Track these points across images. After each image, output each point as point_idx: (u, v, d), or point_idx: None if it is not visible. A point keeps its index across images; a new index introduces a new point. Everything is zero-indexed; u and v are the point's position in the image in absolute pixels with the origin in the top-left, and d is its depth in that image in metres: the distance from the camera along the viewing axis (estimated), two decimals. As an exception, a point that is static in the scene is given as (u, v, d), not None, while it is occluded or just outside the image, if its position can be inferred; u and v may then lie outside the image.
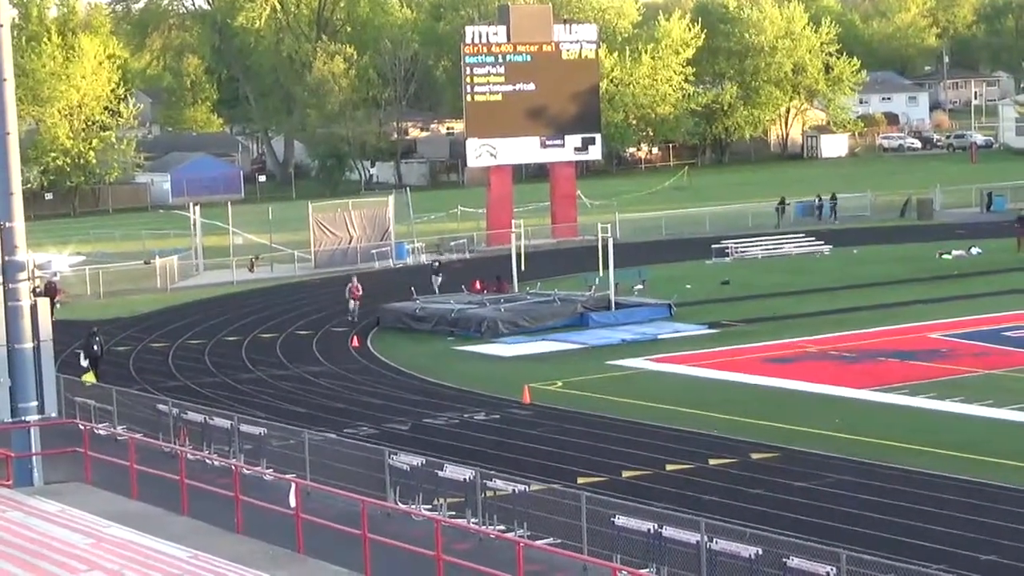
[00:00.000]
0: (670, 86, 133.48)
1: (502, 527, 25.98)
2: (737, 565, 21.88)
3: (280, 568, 21.85)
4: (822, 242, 74.46)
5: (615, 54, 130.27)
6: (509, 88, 79.88)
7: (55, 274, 65.75)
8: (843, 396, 39.84)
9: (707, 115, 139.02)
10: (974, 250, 68.98)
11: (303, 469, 29.99)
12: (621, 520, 23.82)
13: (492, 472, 27.91)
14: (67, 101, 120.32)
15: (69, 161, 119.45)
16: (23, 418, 27.92)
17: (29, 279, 28.08)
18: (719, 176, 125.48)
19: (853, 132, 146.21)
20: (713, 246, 72.42)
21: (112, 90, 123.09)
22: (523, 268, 63.70)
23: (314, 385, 44.59)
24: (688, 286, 61.51)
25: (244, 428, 32.57)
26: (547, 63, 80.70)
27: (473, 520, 26.70)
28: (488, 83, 79.68)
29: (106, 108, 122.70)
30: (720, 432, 35.80)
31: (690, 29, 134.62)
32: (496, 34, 79.87)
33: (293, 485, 25.50)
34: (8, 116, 27.65)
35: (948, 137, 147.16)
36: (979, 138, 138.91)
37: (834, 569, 20.32)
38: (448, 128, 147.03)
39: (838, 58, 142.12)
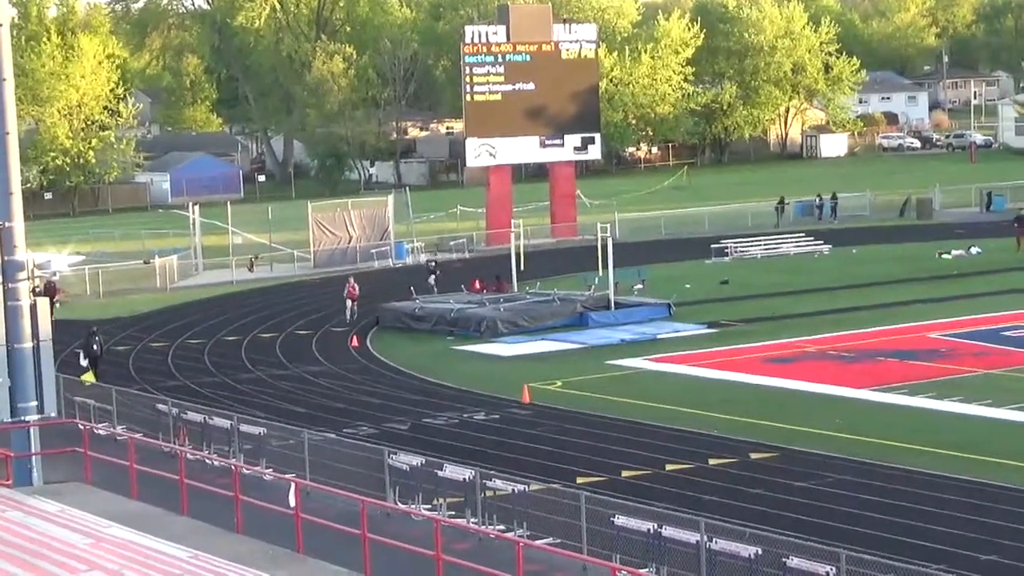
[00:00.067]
0: (669, 86, 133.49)
1: (502, 527, 25.98)
2: (737, 565, 21.88)
3: (280, 568, 21.85)
4: (821, 242, 74.49)
5: (615, 54, 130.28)
6: (508, 88, 79.88)
7: (55, 274, 65.85)
8: (842, 396, 39.85)
9: (706, 115, 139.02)
10: (973, 250, 68.99)
11: (303, 469, 29.99)
12: (621, 520, 23.82)
13: (492, 472, 27.91)
14: (66, 101, 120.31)
15: (68, 161, 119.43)
16: (23, 418, 27.91)
17: (28, 279, 28.07)
18: (718, 176, 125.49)
19: (852, 132, 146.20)
20: (712, 246, 72.43)
21: (111, 90, 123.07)
22: (523, 268, 63.72)
23: (314, 385, 44.59)
24: (687, 286, 61.51)
25: (244, 428, 32.57)
26: (546, 63, 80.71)
27: (473, 520, 26.71)
28: (487, 83, 79.68)
29: (105, 108, 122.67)
30: (720, 432, 35.80)
31: (689, 29, 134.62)
32: (496, 34, 79.87)
33: (293, 485, 25.50)
34: (7, 116, 27.64)
35: (947, 137, 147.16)
36: (978, 138, 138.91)
37: (834, 569, 20.32)
38: (447, 128, 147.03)
39: (837, 58, 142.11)
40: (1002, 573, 24.59)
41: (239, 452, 32.32)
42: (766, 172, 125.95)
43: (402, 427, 37.70)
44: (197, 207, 76.73)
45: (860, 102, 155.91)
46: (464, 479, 27.06)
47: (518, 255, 63.30)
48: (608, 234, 57.78)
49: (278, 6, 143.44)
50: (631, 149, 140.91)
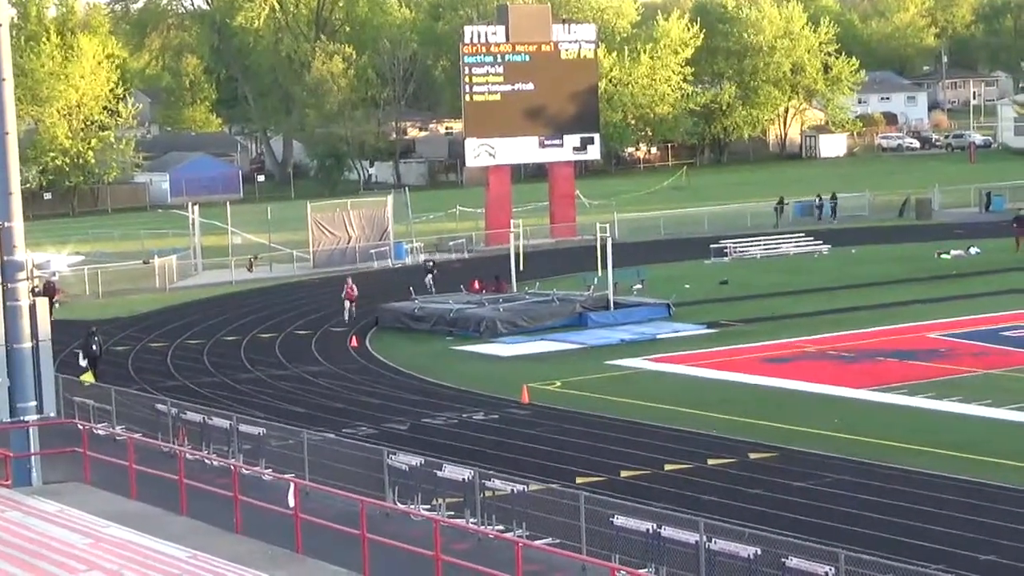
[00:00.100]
0: (669, 86, 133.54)
1: (501, 527, 25.98)
2: (736, 565, 21.89)
3: (279, 568, 21.85)
4: (821, 242, 74.50)
5: (614, 54, 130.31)
6: (508, 88, 79.88)
7: (54, 274, 65.82)
8: (842, 396, 39.85)
9: (706, 115, 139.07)
10: (973, 250, 69.00)
11: (302, 469, 29.99)
12: (620, 520, 23.83)
13: (491, 472, 27.91)
14: (66, 101, 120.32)
15: (68, 161, 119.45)
16: (22, 418, 27.91)
17: (28, 279, 28.06)
18: (718, 176, 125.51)
19: (852, 132, 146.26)
20: (712, 246, 72.43)
21: (111, 90, 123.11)
22: (522, 268, 63.73)
23: (313, 385, 44.59)
24: (687, 286, 61.51)
25: (243, 428, 32.57)
26: (546, 63, 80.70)
27: (472, 520, 26.71)
28: (487, 83, 79.67)
29: (105, 108, 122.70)
30: (719, 432, 35.81)
31: (689, 29, 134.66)
32: (495, 34, 79.87)
33: (292, 485, 25.50)
34: (7, 116, 27.64)
35: (947, 137, 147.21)
36: (978, 138, 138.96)
37: (833, 569, 20.33)
38: (447, 128, 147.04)
39: (837, 58, 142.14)
40: (1001, 573, 24.59)
41: (238, 452, 32.32)
42: (765, 172, 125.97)
43: (401, 427, 37.70)
44: (196, 207, 76.72)
45: (859, 102, 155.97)
46: (463, 479, 27.06)
47: (517, 255, 63.30)
48: (607, 234, 57.77)
49: (277, 6, 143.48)
50: (630, 149, 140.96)
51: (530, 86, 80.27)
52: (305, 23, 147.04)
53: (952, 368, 42.67)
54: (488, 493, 26.79)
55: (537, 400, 40.51)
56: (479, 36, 79.77)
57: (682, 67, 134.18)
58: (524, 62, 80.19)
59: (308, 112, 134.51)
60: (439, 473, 27.62)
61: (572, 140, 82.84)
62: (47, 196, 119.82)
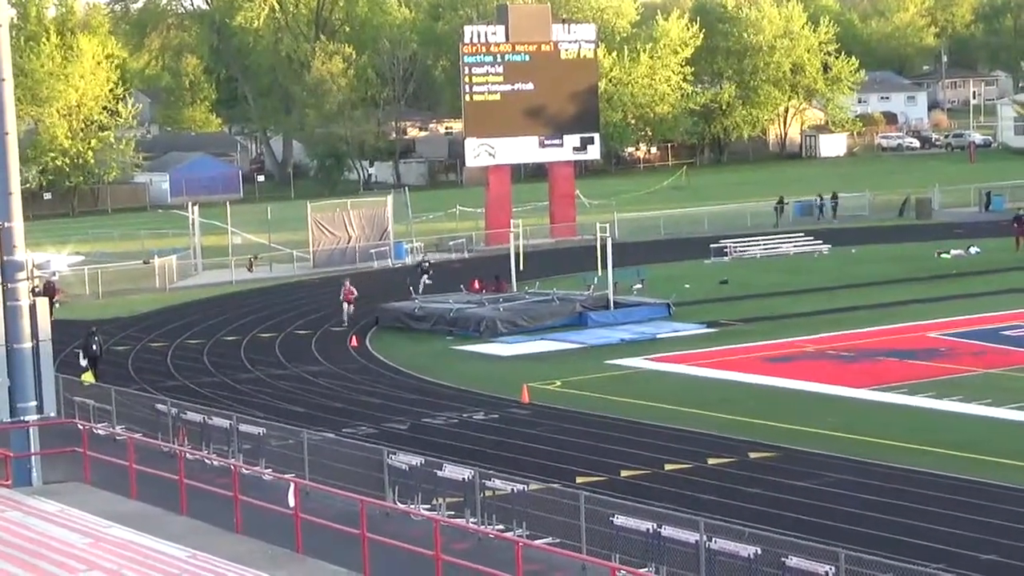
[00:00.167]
0: (668, 86, 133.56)
1: (501, 527, 25.98)
2: (736, 564, 21.89)
3: (279, 568, 21.85)
4: (820, 241, 74.49)
5: (613, 54, 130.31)
6: (508, 88, 79.88)
7: (54, 274, 65.84)
8: (842, 395, 39.86)
9: (705, 115, 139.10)
10: (972, 249, 69.01)
11: (302, 469, 29.99)
12: (620, 520, 23.83)
13: (491, 472, 27.92)
14: (66, 101, 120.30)
15: (68, 161, 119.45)
16: (22, 418, 27.91)
17: (28, 279, 28.06)
18: (717, 176, 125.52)
19: (851, 132, 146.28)
20: (712, 245, 72.43)
21: (111, 90, 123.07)
22: (522, 268, 63.73)
23: (313, 385, 44.58)
24: (687, 285, 61.51)
25: (243, 428, 32.57)
26: (546, 63, 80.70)
27: (472, 520, 26.71)
28: (487, 83, 79.66)
29: (105, 108, 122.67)
30: (719, 431, 35.80)
31: (688, 28, 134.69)
32: (495, 34, 79.86)
33: (292, 485, 25.50)
34: (7, 116, 27.64)
35: (946, 136, 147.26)
36: (977, 137, 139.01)
37: (833, 568, 20.33)
38: (447, 128, 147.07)
39: (836, 57, 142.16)
40: (1002, 572, 24.59)
41: (238, 452, 32.32)
42: (765, 172, 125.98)
43: (401, 427, 37.70)
44: (196, 207, 76.71)
45: (859, 102, 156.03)
46: (463, 479, 27.06)
47: (517, 255, 63.29)
48: (607, 234, 57.77)
49: (277, 6, 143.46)
50: (630, 149, 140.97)
51: (530, 86, 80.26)
52: (305, 23, 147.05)
53: (952, 367, 42.68)
54: (488, 493, 26.79)
55: (537, 400, 40.51)
56: (479, 36, 79.77)
57: (682, 67, 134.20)
58: (524, 62, 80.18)
59: (308, 112, 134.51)
60: (439, 473, 27.62)
61: (572, 140, 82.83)
62: (47, 196, 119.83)
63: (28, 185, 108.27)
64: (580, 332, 51.87)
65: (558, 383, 43.01)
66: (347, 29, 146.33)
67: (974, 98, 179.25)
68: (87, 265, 71.57)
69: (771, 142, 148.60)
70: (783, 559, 21.10)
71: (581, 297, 55.58)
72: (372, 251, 74.45)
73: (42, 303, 28.36)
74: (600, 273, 58.42)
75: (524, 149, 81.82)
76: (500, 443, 35.28)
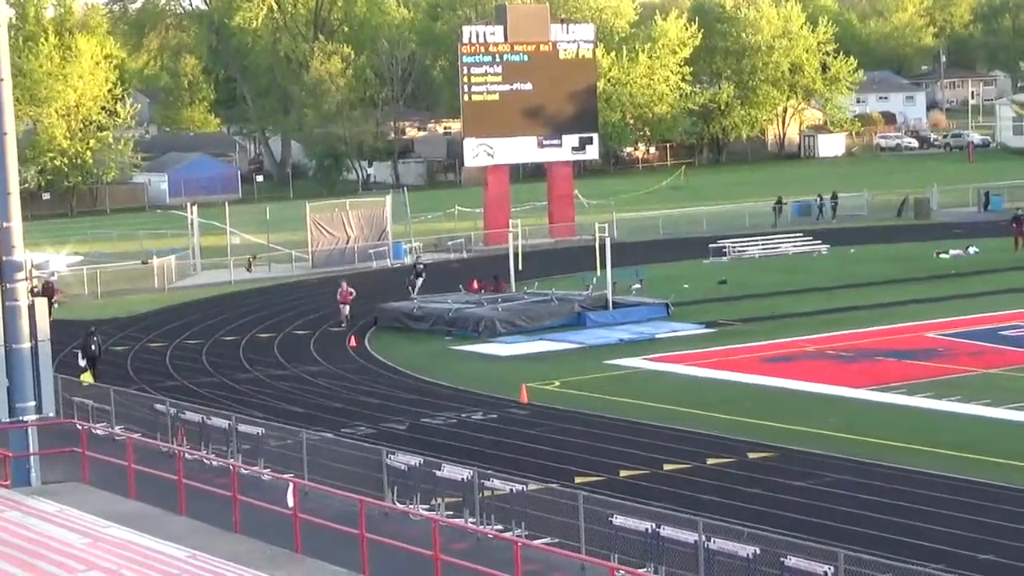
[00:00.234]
0: (667, 85, 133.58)
1: (500, 527, 25.97)
2: (735, 564, 21.89)
3: (278, 568, 21.85)
4: (819, 241, 74.48)
5: (612, 54, 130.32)
6: (506, 88, 79.86)
7: (53, 274, 65.71)
8: (840, 395, 39.86)
9: (704, 115, 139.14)
10: (971, 249, 69.02)
11: (301, 469, 29.99)
12: (619, 520, 23.82)
13: (490, 472, 27.91)
14: (64, 101, 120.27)
15: (66, 161, 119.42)
16: (21, 418, 27.92)
17: (27, 279, 28.07)
18: (716, 176, 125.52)
19: (850, 132, 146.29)
20: (710, 245, 72.42)
21: (109, 90, 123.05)
22: (520, 268, 63.70)
23: (312, 385, 44.58)
24: (685, 285, 61.51)
25: (242, 428, 32.56)
26: (544, 63, 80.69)
27: (471, 520, 26.71)
28: (485, 83, 79.65)
29: (103, 108, 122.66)
30: (718, 431, 35.81)
31: (687, 28, 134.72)
32: (493, 34, 79.85)
33: (291, 485, 25.52)
34: (5, 116, 27.66)
35: (945, 136, 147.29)
36: (976, 137, 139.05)
37: (832, 568, 20.32)
38: (445, 128, 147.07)
39: (835, 57, 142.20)
40: (1000, 573, 24.59)
41: (237, 452, 32.31)
42: (764, 172, 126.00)
43: (400, 427, 37.70)
44: (195, 207, 76.71)
45: (858, 102, 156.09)
46: (462, 479, 27.06)
47: (516, 255, 63.27)
48: (606, 234, 57.78)
49: (275, 6, 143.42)
50: (629, 149, 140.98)
51: (528, 86, 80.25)
52: (303, 23, 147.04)
53: (951, 367, 42.68)
54: (487, 493, 26.79)
55: (536, 400, 40.51)
56: (478, 36, 79.75)
57: (680, 67, 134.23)
58: (522, 62, 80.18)
59: (306, 112, 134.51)
60: (438, 473, 27.61)
61: (571, 140, 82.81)
62: (46, 196, 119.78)
63: (27, 185, 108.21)
64: (579, 332, 51.86)
65: (557, 383, 43.01)
66: (346, 29, 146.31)
67: (972, 98, 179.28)
68: (86, 265, 71.54)
69: (770, 142, 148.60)
70: (782, 559, 21.10)
71: (580, 297, 55.57)
72: (371, 251, 74.43)
73: (41, 303, 28.37)
74: (599, 273, 58.41)
75: (523, 149, 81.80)
76: (499, 443, 35.29)
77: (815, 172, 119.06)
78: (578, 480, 30.54)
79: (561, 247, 78.64)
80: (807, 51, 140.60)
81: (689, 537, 22.72)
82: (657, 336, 50.55)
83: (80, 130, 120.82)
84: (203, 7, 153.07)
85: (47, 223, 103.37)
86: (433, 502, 27.76)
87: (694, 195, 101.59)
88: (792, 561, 20.92)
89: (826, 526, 26.75)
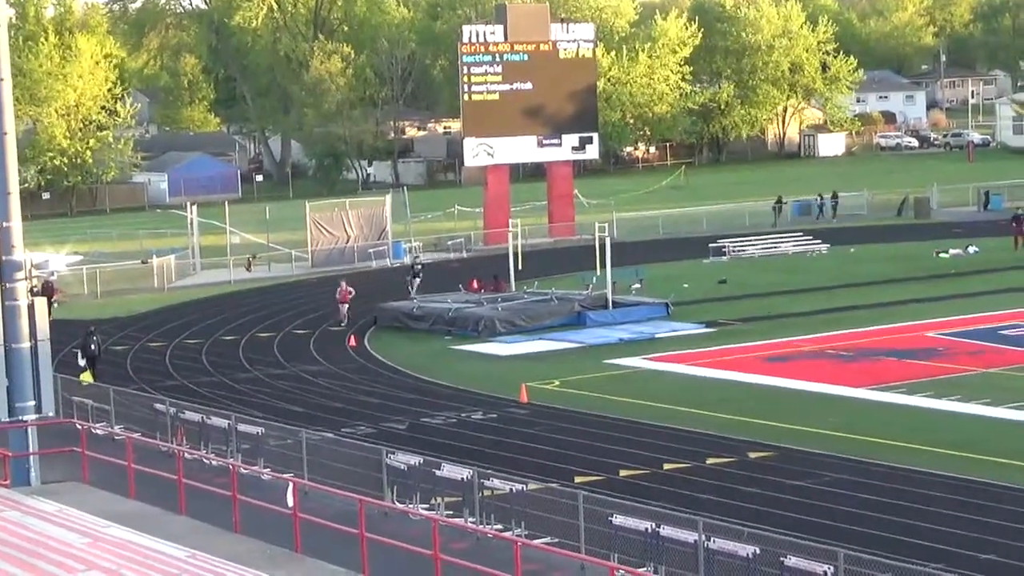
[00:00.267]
0: (667, 85, 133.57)
1: (500, 526, 25.97)
2: (735, 564, 21.88)
3: (278, 567, 21.85)
4: (819, 241, 74.46)
5: (612, 53, 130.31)
6: (506, 87, 79.85)
7: (52, 273, 65.79)
8: (840, 395, 39.85)
9: (704, 114, 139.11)
10: (971, 249, 69.01)
11: (301, 468, 29.98)
12: (619, 519, 23.82)
13: (490, 471, 27.91)
14: (64, 101, 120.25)
15: (66, 161, 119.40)
16: (20, 417, 27.91)
17: (26, 279, 28.06)
18: (716, 175, 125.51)
19: (850, 131, 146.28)
20: (710, 245, 72.40)
21: (109, 90, 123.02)
22: (520, 267, 63.68)
23: (311, 384, 44.57)
24: (685, 285, 61.50)
25: (242, 427, 32.56)
26: (544, 62, 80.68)
27: (471, 519, 26.71)
28: (485, 82, 79.64)
29: (103, 108, 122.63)
30: (717, 431, 35.80)
31: (687, 28, 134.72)
32: (493, 33, 79.83)
33: (291, 484, 25.51)
34: (5, 116, 27.65)
35: (945, 136, 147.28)
36: (976, 137, 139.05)
37: (832, 568, 20.32)
38: (445, 127, 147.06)
39: (835, 57, 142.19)
40: (1001, 572, 24.58)
41: (237, 452, 32.30)
42: (764, 171, 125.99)
43: (400, 427, 37.69)
44: (195, 207, 76.71)
45: (858, 101, 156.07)
46: (462, 479, 27.05)
47: (516, 255, 63.26)
48: (606, 233, 57.77)
49: (275, 6, 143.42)
50: (629, 149, 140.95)
51: (528, 85, 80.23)
52: (303, 22, 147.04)
53: (950, 367, 42.68)
54: (487, 492, 26.78)
55: (536, 399, 40.50)
56: (477, 35, 79.74)
57: (680, 66, 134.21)
58: (522, 61, 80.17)
59: (306, 112, 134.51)
60: (438, 472, 27.61)
61: (571, 139, 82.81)
62: (45, 196, 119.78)
63: (26, 185, 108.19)
64: (579, 332, 51.85)
65: (557, 383, 43.01)
66: (345, 28, 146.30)
67: (972, 97, 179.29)
68: (85, 265, 71.54)
69: (769, 141, 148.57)
70: (782, 559, 21.09)
71: (580, 297, 55.57)
72: (371, 251, 74.43)
73: (40, 303, 28.36)
74: (599, 273, 58.40)
75: (523, 149, 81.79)
76: (499, 443, 35.28)
77: (815, 172, 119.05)
78: (578, 480, 30.53)
79: (561, 247, 78.63)
80: (807, 50, 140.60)
81: (689, 537, 22.71)
82: (657, 336, 50.55)
83: (80, 130, 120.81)
84: (203, 6, 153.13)
85: (47, 223, 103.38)
86: (433, 502, 27.75)
87: (694, 195, 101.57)
88: (792, 561, 20.92)
89: (826, 525, 26.75)
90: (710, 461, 32.68)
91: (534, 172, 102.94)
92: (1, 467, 27.95)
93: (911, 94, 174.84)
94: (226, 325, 57.14)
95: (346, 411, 40.06)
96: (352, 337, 52.71)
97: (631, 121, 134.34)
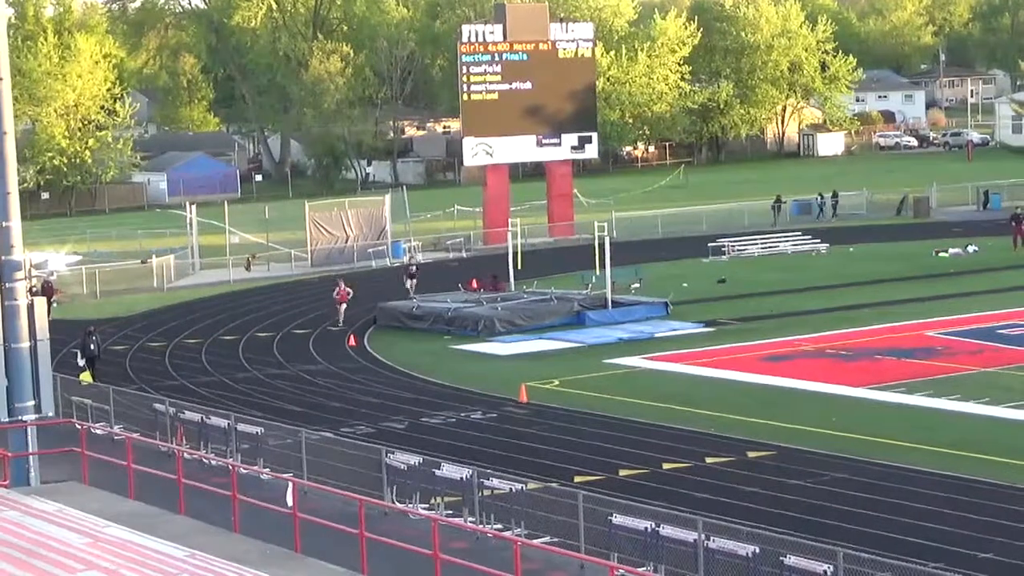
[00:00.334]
0: (666, 84, 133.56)
1: (499, 526, 25.99)
2: (734, 563, 21.89)
3: (277, 567, 21.82)
4: (818, 240, 74.48)
5: (611, 52, 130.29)
6: (505, 87, 79.84)
7: (52, 273, 65.82)
8: (839, 394, 39.86)
9: (703, 113, 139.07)
10: (970, 248, 69.03)
11: (300, 468, 30.00)
12: (618, 519, 23.83)
13: (489, 471, 27.92)
14: (63, 101, 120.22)
15: (65, 161, 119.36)
16: (20, 417, 27.90)
17: (26, 278, 28.05)
18: (715, 174, 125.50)
19: (849, 130, 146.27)
20: (709, 244, 72.43)
21: (108, 89, 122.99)
22: (520, 267, 63.71)
23: (311, 384, 44.57)
24: (684, 284, 61.50)
25: (241, 427, 32.57)
26: (543, 62, 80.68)
27: (470, 519, 26.72)
28: (484, 82, 79.63)
29: (102, 107, 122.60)
30: (717, 430, 35.81)
31: (686, 27, 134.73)
32: (492, 33, 79.83)
33: (290, 484, 25.52)
34: (4, 116, 27.62)
35: (944, 135, 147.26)
36: (975, 136, 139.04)
37: (831, 567, 20.33)
38: (444, 127, 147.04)
39: (834, 56, 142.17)
40: (1000, 571, 24.59)
41: (236, 451, 32.31)
42: (763, 171, 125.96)
43: (399, 426, 37.70)
44: (194, 207, 76.73)
45: (857, 100, 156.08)
46: (461, 478, 27.06)
47: (515, 254, 63.29)
48: (605, 233, 57.78)
49: (275, 5, 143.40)
50: (628, 148, 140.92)
51: (528, 85, 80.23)
52: (303, 22, 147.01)
53: (950, 366, 42.69)
54: (486, 492, 26.78)
55: (535, 399, 40.51)
56: (477, 35, 79.74)
57: (679, 65, 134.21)
58: (522, 61, 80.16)
59: (306, 111, 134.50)
60: (437, 472, 27.62)
61: (570, 139, 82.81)
62: (44, 196, 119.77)
63: (25, 185, 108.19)
64: (578, 331, 51.85)
65: (556, 382, 43.01)
66: (345, 28, 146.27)
67: (972, 97, 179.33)
68: (85, 265, 71.54)
69: (769, 141, 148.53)
70: (781, 558, 21.11)
71: (579, 296, 55.58)
72: (370, 250, 74.44)
73: (40, 303, 28.34)
74: (598, 272, 58.41)
75: (522, 148, 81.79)
76: (498, 442, 35.29)
77: (814, 171, 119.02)
78: (577, 479, 30.54)
79: (560, 246, 78.65)
80: (806, 50, 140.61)
81: (688, 536, 22.73)
82: (656, 335, 50.55)
83: (79, 129, 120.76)
84: (202, 6, 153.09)
85: (46, 222, 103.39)
86: (432, 501, 27.77)
87: (693, 194, 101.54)
88: (791, 560, 20.93)
89: (825, 524, 26.76)
90: (709, 460, 32.69)
91: (533, 172, 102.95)
92: (1, 467, 27.93)
93: (910, 93, 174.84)
94: (225, 325, 57.15)
95: (345, 411, 40.07)
96: (352, 337, 52.72)
97: (630, 120, 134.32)
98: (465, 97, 79.86)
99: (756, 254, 72.40)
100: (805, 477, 30.81)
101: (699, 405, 38.89)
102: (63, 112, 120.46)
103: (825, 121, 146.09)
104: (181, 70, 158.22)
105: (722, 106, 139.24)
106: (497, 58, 79.64)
